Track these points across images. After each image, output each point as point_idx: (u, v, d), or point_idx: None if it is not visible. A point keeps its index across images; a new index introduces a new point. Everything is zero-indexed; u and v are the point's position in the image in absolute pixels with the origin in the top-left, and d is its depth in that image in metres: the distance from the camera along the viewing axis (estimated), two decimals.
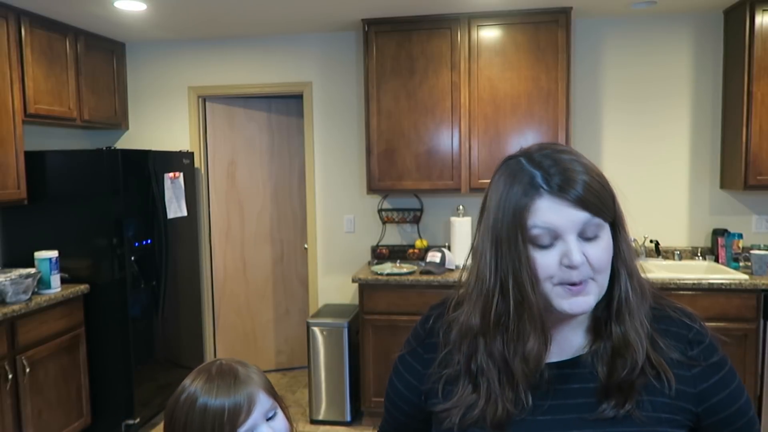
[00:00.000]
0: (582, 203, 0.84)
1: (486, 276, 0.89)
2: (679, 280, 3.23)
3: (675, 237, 3.85)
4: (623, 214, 0.91)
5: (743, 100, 3.40)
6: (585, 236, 0.85)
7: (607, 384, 0.88)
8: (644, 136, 3.84)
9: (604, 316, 0.90)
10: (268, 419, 0.98)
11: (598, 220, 0.85)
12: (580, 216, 0.84)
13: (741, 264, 3.54)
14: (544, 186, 0.85)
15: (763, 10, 3.32)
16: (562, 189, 0.85)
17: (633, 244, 0.94)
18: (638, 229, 3.86)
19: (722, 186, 3.76)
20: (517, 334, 0.87)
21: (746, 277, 3.22)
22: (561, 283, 0.85)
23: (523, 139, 3.59)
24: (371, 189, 3.78)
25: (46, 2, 3.24)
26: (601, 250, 0.86)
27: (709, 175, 3.80)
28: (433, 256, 3.64)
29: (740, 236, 3.64)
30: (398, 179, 3.73)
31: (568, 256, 0.84)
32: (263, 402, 0.97)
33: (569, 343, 0.93)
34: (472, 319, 0.91)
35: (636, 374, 0.87)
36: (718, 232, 3.71)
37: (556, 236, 0.85)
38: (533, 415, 0.89)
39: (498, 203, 0.89)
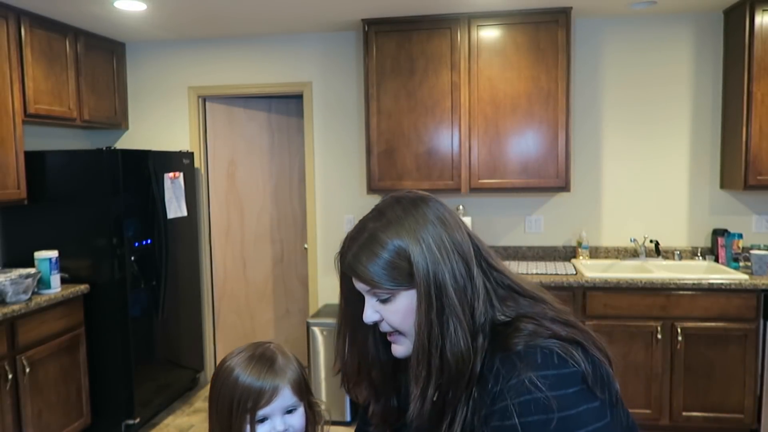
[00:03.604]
0: (361, 279, 0.95)
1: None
2: (679, 280, 3.23)
3: (675, 237, 3.85)
4: (429, 284, 0.91)
5: (743, 100, 3.40)
6: (379, 299, 0.96)
7: None
8: (644, 136, 3.84)
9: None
10: (287, 413, 1.07)
11: (381, 290, 0.94)
12: (361, 286, 0.97)
13: (741, 264, 3.54)
14: (342, 259, 0.99)
15: (763, 10, 3.32)
16: (348, 265, 0.97)
17: (452, 311, 0.90)
18: (638, 229, 3.86)
19: (722, 186, 3.76)
20: None
21: (746, 277, 3.22)
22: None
23: (523, 139, 3.59)
24: (371, 189, 3.78)
25: (46, 2, 3.24)
26: (392, 313, 0.95)
27: (709, 175, 3.80)
28: None
29: (740, 236, 3.64)
30: (398, 179, 3.73)
31: (364, 314, 0.98)
32: (286, 397, 1.06)
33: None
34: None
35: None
36: (718, 232, 3.71)
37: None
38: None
39: None
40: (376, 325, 1.00)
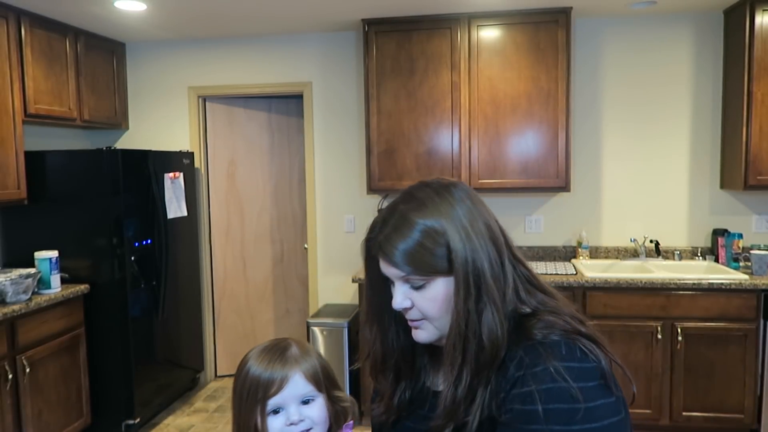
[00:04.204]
0: (396, 264, 0.93)
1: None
2: (679, 280, 3.23)
3: (675, 237, 3.85)
4: (467, 271, 0.91)
5: (743, 100, 3.40)
6: (413, 285, 0.94)
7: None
8: (644, 136, 3.84)
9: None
10: (304, 403, 1.01)
11: (418, 276, 0.92)
12: (393, 272, 0.94)
13: (741, 264, 3.54)
14: (373, 242, 0.97)
15: (763, 10, 3.32)
16: (380, 249, 0.95)
17: (490, 297, 0.90)
18: (638, 229, 3.86)
19: (722, 186, 3.76)
20: None
21: (746, 277, 3.22)
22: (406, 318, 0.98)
23: (523, 139, 3.59)
24: (371, 189, 3.78)
25: (46, 2, 3.24)
26: (427, 300, 0.93)
27: (709, 175, 3.80)
28: None
29: (740, 236, 3.64)
30: (398, 179, 3.73)
31: (393, 300, 0.96)
32: (299, 385, 1.01)
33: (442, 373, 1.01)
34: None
35: (473, 416, 0.89)
36: (718, 232, 3.71)
37: (392, 280, 0.96)
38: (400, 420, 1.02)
39: None
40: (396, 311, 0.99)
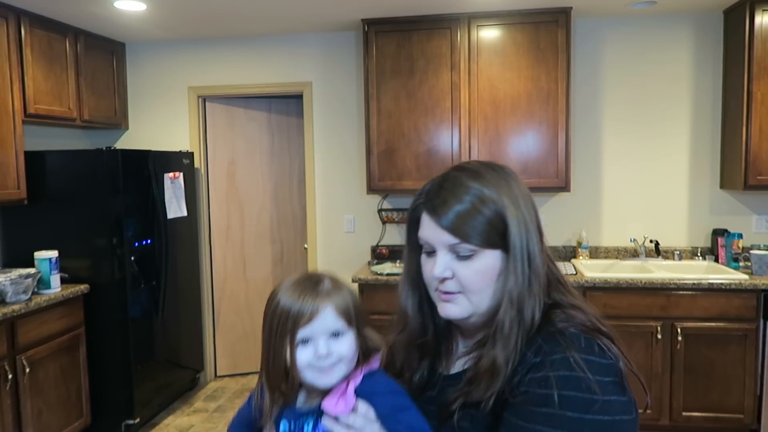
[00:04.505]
0: (449, 229, 0.91)
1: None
2: (679, 280, 3.23)
3: (675, 237, 3.85)
4: (523, 247, 0.92)
5: (743, 100, 3.40)
6: (459, 255, 0.92)
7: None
8: (644, 136, 3.84)
9: (487, 335, 0.93)
10: (334, 337, 0.99)
11: (470, 246, 0.91)
12: (447, 238, 0.92)
13: (741, 264, 3.54)
14: (426, 204, 0.95)
15: (763, 10, 3.32)
16: (434, 211, 0.93)
17: (529, 277, 0.92)
18: (638, 229, 3.86)
19: (722, 186, 3.76)
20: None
21: (746, 277, 3.22)
22: (437, 290, 0.96)
23: (523, 139, 3.59)
24: (371, 189, 3.78)
25: (46, 2, 3.24)
26: (472, 271, 0.92)
27: (709, 175, 3.80)
28: None
29: (740, 236, 3.64)
30: (398, 179, 3.73)
31: (434, 268, 0.93)
32: (329, 318, 0.98)
33: (461, 356, 1.01)
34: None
35: (486, 396, 0.89)
36: (718, 232, 3.71)
37: (433, 249, 0.94)
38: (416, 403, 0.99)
39: None
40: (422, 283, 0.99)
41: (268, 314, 1.01)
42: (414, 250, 1.00)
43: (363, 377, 0.99)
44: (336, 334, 0.99)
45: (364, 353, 1.02)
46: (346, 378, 0.99)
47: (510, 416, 0.86)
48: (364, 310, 1.04)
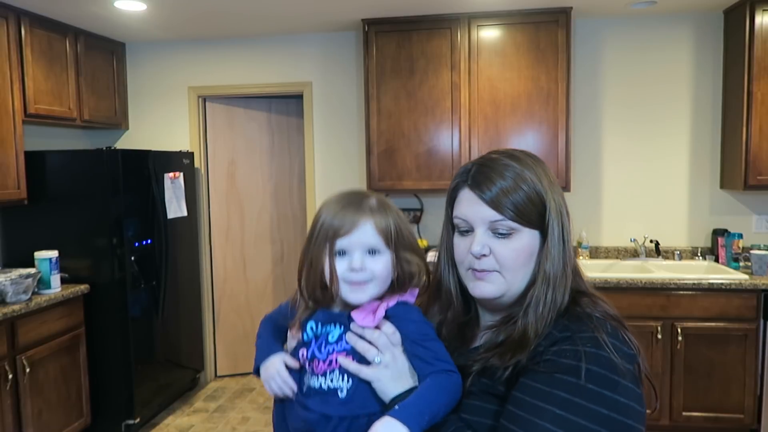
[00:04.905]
0: (492, 203, 0.93)
1: (438, 256, 1.08)
2: (679, 280, 3.23)
3: (675, 237, 3.85)
4: (558, 228, 0.95)
5: (743, 100, 3.40)
6: (497, 233, 0.95)
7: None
8: (644, 136, 3.84)
9: (516, 313, 0.96)
10: (371, 254, 1.00)
11: (510, 223, 0.93)
12: (489, 214, 0.94)
13: (741, 264, 3.53)
14: (469, 180, 0.97)
15: (763, 10, 3.32)
16: (477, 186, 0.95)
17: (563, 259, 0.95)
18: (638, 229, 3.86)
19: (722, 186, 3.76)
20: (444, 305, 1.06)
21: (746, 277, 3.22)
22: (470, 269, 0.97)
23: (523, 139, 3.59)
24: (371, 189, 3.78)
25: (46, 2, 3.24)
26: (510, 249, 0.94)
27: (709, 175, 3.80)
28: (434, 256, 3.64)
29: (740, 236, 3.64)
30: (398, 179, 3.73)
31: (472, 245, 0.95)
32: (368, 233, 0.99)
33: (483, 332, 1.03)
34: (433, 293, 1.08)
35: (506, 365, 0.91)
36: (718, 232, 3.71)
37: (470, 227, 0.97)
38: None
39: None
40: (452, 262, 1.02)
41: (313, 223, 1.04)
42: (450, 231, 1.02)
43: (396, 303, 1.00)
44: (373, 252, 1.00)
45: (401, 282, 1.02)
46: (380, 299, 1.00)
47: (528, 381, 0.87)
48: (411, 236, 1.04)
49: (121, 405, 3.49)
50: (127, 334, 3.47)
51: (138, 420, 3.52)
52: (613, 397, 0.82)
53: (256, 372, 1.08)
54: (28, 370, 2.97)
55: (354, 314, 0.99)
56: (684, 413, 3.26)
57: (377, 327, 0.97)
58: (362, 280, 0.99)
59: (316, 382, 1.00)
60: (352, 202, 1.02)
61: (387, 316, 0.99)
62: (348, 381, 0.97)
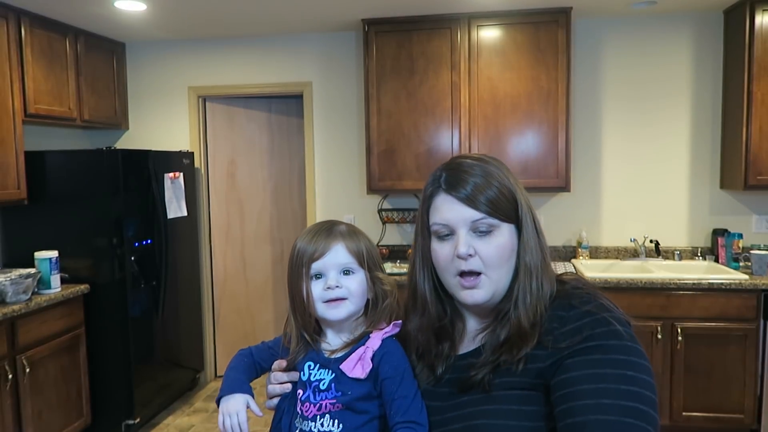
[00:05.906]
0: (468, 201, 0.96)
1: (412, 263, 1.08)
2: (679, 280, 3.23)
3: (675, 237, 3.85)
4: (531, 221, 0.99)
5: (743, 100, 3.40)
6: (478, 231, 0.96)
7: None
8: (644, 136, 3.84)
9: (506, 308, 0.98)
10: (345, 273, 1.06)
11: (490, 220, 0.96)
12: (469, 213, 0.96)
13: (741, 264, 3.53)
14: (442, 185, 1.00)
15: (763, 10, 3.32)
16: (452, 188, 0.98)
17: (541, 250, 1.00)
18: (638, 229, 3.86)
19: (722, 186, 3.76)
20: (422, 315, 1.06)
21: (746, 277, 3.22)
22: (458, 275, 0.98)
23: (523, 139, 3.59)
24: (371, 189, 3.78)
25: (46, 2, 3.24)
26: (494, 247, 0.96)
27: (709, 175, 3.80)
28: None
29: (740, 236, 3.64)
30: (398, 179, 3.73)
31: (457, 247, 0.96)
32: (339, 254, 1.06)
33: (475, 335, 1.04)
34: (409, 300, 1.10)
35: (516, 359, 0.92)
36: (718, 232, 3.71)
37: (451, 230, 0.98)
38: (435, 387, 1.02)
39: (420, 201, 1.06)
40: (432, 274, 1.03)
41: (290, 253, 1.11)
42: (426, 238, 1.03)
43: (381, 343, 1.04)
44: (347, 272, 1.06)
45: (375, 302, 1.08)
46: (365, 343, 1.04)
47: (579, 359, 0.88)
48: (379, 258, 1.11)
49: (121, 405, 3.49)
50: (127, 334, 3.47)
51: (138, 420, 3.52)
52: (641, 363, 0.88)
53: (218, 401, 1.13)
54: (28, 370, 2.97)
55: (343, 367, 1.03)
56: (684, 413, 3.26)
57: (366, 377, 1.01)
58: (338, 296, 1.04)
59: (306, 426, 1.04)
60: (323, 228, 1.09)
61: (372, 361, 1.02)
62: (338, 426, 1.01)
